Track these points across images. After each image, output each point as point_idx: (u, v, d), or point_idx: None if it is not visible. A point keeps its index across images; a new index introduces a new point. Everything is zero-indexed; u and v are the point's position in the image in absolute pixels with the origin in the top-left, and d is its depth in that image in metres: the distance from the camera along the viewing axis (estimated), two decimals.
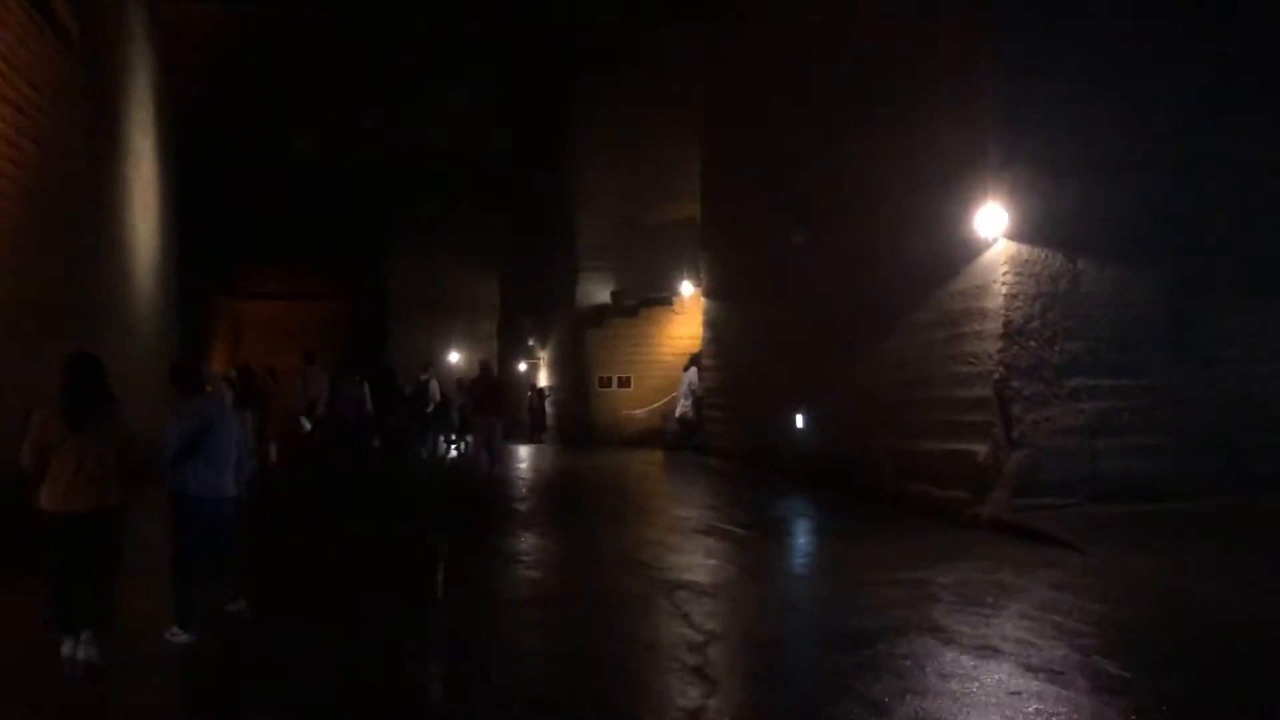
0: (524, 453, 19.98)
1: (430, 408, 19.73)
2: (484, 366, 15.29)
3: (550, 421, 24.04)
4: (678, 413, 18.20)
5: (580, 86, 22.52)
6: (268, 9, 19.39)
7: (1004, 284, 8.93)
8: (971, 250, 9.25)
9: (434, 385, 20.51)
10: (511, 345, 28.72)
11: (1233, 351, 9.16)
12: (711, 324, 16.40)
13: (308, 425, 15.31)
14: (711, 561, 8.32)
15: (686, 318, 22.01)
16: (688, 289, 20.10)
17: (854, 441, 11.36)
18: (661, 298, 22.06)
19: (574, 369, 22.78)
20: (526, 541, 9.48)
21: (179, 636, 5.67)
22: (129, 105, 14.85)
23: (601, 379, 21.98)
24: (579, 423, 22.22)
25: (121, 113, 14.36)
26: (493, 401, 14.24)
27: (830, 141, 11.81)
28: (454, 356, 33.03)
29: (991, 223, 8.97)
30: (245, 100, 24.01)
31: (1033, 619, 5.97)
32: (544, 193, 25.05)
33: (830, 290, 11.98)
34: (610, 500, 12.66)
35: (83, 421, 5.05)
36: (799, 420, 12.68)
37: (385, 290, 34.48)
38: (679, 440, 17.84)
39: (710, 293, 16.53)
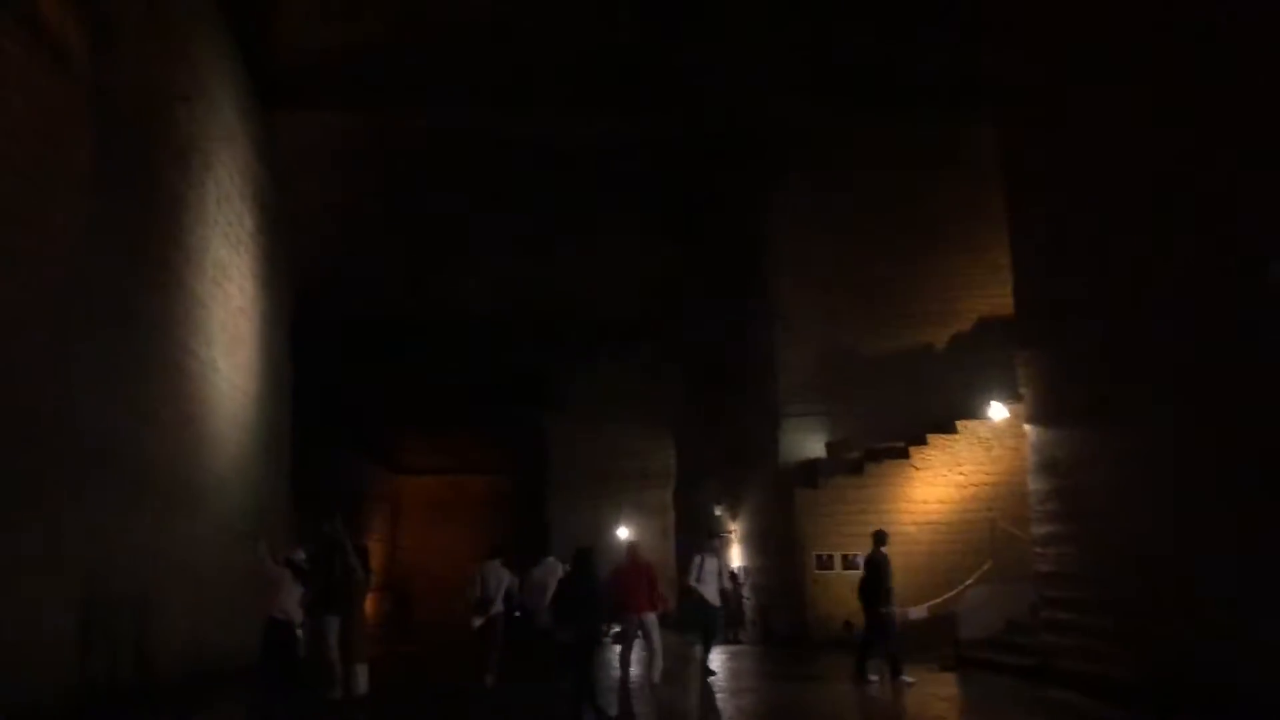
0: (714, 664, 13.84)
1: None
2: (631, 549, 12.51)
3: (750, 614, 18.62)
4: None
5: (781, 188, 18.35)
6: (390, 120, 16.30)
7: None
8: None
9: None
10: (691, 517, 23.78)
11: None
12: (1048, 464, 9.87)
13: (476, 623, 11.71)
14: None
15: (930, 474, 16.81)
16: (998, 411, 14.71)
17: None
18: (895, 448, 16.94)
19: (779, 544, 17.72)
20: None
21: None
22: (203, 198, 11.18)
23: (820, 558, 16.90)
24: (791, 618, 16.77)
25: (187, 201, 10.64)
26: (641, 593, 11.30)
27: None
28: (622, 532, 28.65)
29: None
30: (391, 257, 21.90)
31: None
32: (733, 327, 20.56)
33: None
34: None
35: None
36: None
37: (546, 462, 30.93)
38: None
39: (1043, 416, 9.99)
